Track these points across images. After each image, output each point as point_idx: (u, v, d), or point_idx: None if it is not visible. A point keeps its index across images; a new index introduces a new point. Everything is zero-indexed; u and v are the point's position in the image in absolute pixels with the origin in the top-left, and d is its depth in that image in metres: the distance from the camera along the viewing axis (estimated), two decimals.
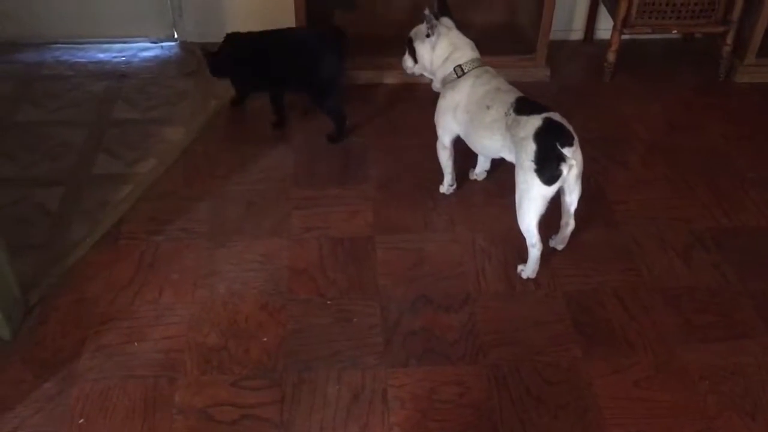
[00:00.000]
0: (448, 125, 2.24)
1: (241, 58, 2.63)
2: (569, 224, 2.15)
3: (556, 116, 1.97)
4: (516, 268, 2.15)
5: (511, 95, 2.07)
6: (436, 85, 2.27)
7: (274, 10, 3.09)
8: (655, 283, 2.13)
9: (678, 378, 1.87)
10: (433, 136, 2.33)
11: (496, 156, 2.19)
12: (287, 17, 3.03)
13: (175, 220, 2.30)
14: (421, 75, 2.33)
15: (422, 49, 2.23)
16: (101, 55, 3.09)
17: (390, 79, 2.92)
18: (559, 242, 2.21)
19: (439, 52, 2.20)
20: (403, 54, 2.32)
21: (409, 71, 2.34)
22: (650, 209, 2.39)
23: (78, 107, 2.79)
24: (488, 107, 2.08)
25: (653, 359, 1.91)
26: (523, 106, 2.01)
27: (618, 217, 2.35)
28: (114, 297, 2.05)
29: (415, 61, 2.27)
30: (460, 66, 2.16)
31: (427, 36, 2.19)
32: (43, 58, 3.05)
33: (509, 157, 2.08)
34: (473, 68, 2.16)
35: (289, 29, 2.73)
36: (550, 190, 1.96)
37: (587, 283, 2.13)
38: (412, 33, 2.27)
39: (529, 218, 2.01)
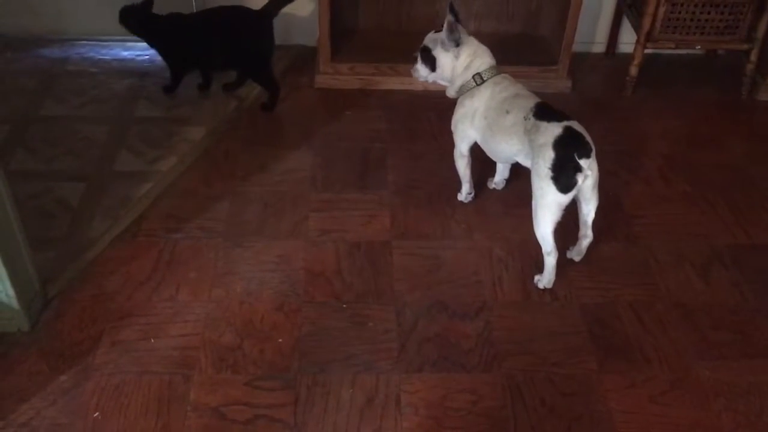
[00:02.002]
0: (466, 132, 2.24)
1: (179, 38, 2.73)
2: (587, 236, 2.15)
3: (576, 125, 1.98)
4: (533, 278, 2.14)
5: (531, 100, 2.08)
6: (452, 93, 2.27)
7: (299, 10, 3.12)
8: (673, 298, 2.12)
9: (693, 394, 1.86)
10: (452, 144, 2.33)
11: (512, 161, 2.20)
12: (310, 23, 3.06)
13: (193, 219, 2.32)
14: (434, 82, 2.31)
15: (444, 57, 2.21)
16: (125, 53, 3.12)
17: (410, 85, 2.93)
18: (576, 254, 2.21)
19: (461, 60, 2.19)
20: (414, 62, 2.28)
21: (421, 79, 2.30)
22: (669, 224, 2.38)
23: (101, 104, 2.82)
24: (507, 111, 2.09)
25: (669, 375, 1.90)
26: (544, 112, 2.02)
27: (636, 231, 2.34)
28: (132, 293, 2.07)
29: (432, 69, 2.24)
30: (479, 74, 2.17)
31: (446, 44, 2.17)
32: (68, 55, 3.09)
33: (525, 162, 2.09)
34: (492, 76, 2.17)
35: (220, 9, 2.77)
36: (565, 198, 1.97)
37: (604, 295, 2.12)
38: (428, 41, 2.23)
39: (544, 225, 2.01)
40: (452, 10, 2.18)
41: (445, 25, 2.15)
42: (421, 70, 2.28)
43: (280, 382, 1.85)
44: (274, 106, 2.81)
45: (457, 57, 2.19)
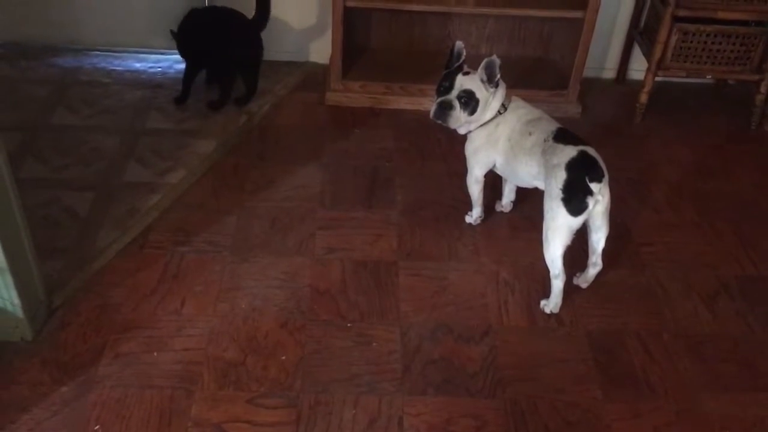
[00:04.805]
0: (489, 158, 2.23)
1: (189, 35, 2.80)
2: (596, 264, 2.14)
3: (591, 150, 2.00)
4: (539, 304, 2.13)
5: (553, 124, 2.11)
6: (471, 128, 2.21)
7: (312, 28, 3.14)
8: (679, 328, 2.11)
9: (698, 426, 1.84)
10: (460, 164, 2.33)
11: (530, 185, 2.19)
12: (323, 41, 3.08)
13: (201, 232, 2.31)
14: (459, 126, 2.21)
15: (487, 99, 2.12)
16: (138, 65, 3.14)
17: (419, 105, 2.94)
18: (582, 281, 2.20)
19: (497, 98, 2.15)
20: (448, 109, 2.11)
21: (454, 125, 2.16)
22: (677, 253, 2.37)
23: (112, 114, 2.83)
24: (530, 133, 2.11)
25: (674, 405, 1.89)
26: (562, 136, 2.04)
27: (644, 259, 2.34)
28: (136, 305, 2.06)
29: (472, 113, 2.12)
30: (503, 104, 2.17)
31: (487, 86, 2.11)
32: (81, 64, 3.11)
33: (542, 185, 2.08)
34: (510, 102, 2.18)
35: (226, 9, 2.83)
36: (575, 222, 1.97)
37: (610, 323, 2.11)
38: (469, 85, 2.10)
39: (554, 248, 2.01)
40: (459, 53, 2.14)
41: (488, 67, 2.08)
42: (460, 116, 2.13)
43: (283, 401, 1.84)
44: (220, 106, 2.87)
45: (493, 96, 2.14)
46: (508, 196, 2.47)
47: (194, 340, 1.97)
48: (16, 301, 1.86)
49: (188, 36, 2.79)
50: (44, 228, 2.26)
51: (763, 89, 2.91)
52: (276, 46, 3.06)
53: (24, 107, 2.83)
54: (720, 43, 2.81)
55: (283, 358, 1.94)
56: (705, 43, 2.81)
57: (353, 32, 3.06)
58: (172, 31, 2.80)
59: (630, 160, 2.79)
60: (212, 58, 2.81)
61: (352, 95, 2.97)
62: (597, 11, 2.75)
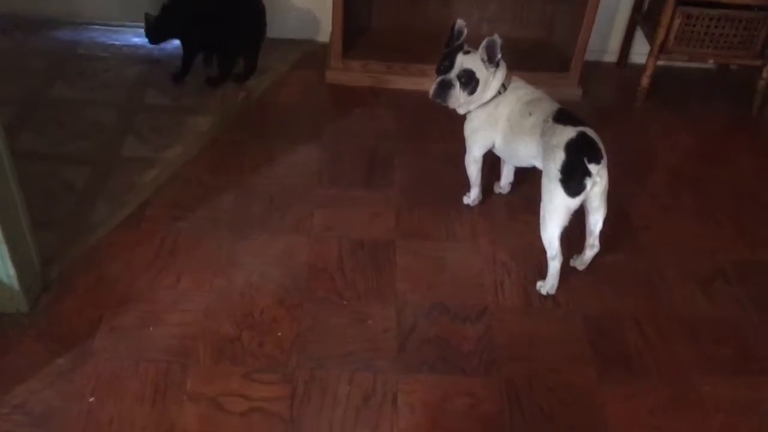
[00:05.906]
0: (488, 138, 2.22)
1: (191, 15, 2.75)
2: (594, 246, 2.14)
3: (590, 132, 1.99)
4: (535, 285, 2.13)
5: (554, 105, 2.10)
6: (470, 108, 2.20)
7: (313, 6, 3.12)
8: (675, 311, 2.11)
9: (692, 409, 1.85)
10: (460, 145, 2.32)
11: (528, 165, 2.19)
12: (323, 19, 3.06)
13: (198, 208, 2.31)
14: (458, 106, 2.20)
15: (487, 79, 2.11)
16: (136, 40, 3.11)
17: (420, 86, 2.92)
18: (579, 263, 2.20)
19: (497, 78, 2.13)
20: (447, 88, 2.10)
21: (454, 105, 2.16)
22: (674, 237, 2.37)
23: (110, 89, 2.81)
24: (530, 114, 2.10)
25: (668, 388, 1.89)
26: (562, 117, 2.03)
27: (641, 242, 2.33)
28: (133, 279, 2.06)
29: (471, 92, 2.11)
30: (503, 84, 2.16)
31: (487, 66, 2.10)
32: (80, 38, 3.08)
33: (540, 165, 2.08)
34: (510, 83, 2.17)
35: None
36: (572, 202, 1.97)
37: (606, 305, 2.11)
38: (469, 65, 2.08)
39: (551, 228, 2.01)
40: (460, 31, 2.12)
41: (489, 47, 2.07)
42: (460, 96, 2.11)
43: (278, 376, 1.84)
44: (219, 83, 2.86)
45: (494, 76, 2.13)
46: (506, 177, 2.46)
47: (190, 314, 1.97)
48: (12, 272, 1.86)
49: (178, 19, 2.75)
50: (41, 201, 2.24)
51: (765, 74, 2.90)
52: (277, 24, 3.03)
53: (21, 80, 2.81)
54: (723, 28, 2.80)
55: (279, 334, 1.95)
56: (708, 27, 2.79)
57: (354, 11, 3.03)
58: (147, 15, 2.75)
59: (630, 143, 2.78)
60: (213, 37, 2.78)
61: (353, 74, 2.95)
62: None
